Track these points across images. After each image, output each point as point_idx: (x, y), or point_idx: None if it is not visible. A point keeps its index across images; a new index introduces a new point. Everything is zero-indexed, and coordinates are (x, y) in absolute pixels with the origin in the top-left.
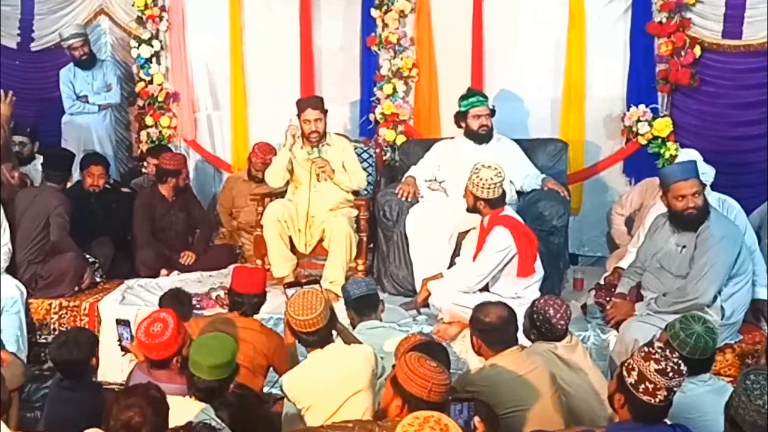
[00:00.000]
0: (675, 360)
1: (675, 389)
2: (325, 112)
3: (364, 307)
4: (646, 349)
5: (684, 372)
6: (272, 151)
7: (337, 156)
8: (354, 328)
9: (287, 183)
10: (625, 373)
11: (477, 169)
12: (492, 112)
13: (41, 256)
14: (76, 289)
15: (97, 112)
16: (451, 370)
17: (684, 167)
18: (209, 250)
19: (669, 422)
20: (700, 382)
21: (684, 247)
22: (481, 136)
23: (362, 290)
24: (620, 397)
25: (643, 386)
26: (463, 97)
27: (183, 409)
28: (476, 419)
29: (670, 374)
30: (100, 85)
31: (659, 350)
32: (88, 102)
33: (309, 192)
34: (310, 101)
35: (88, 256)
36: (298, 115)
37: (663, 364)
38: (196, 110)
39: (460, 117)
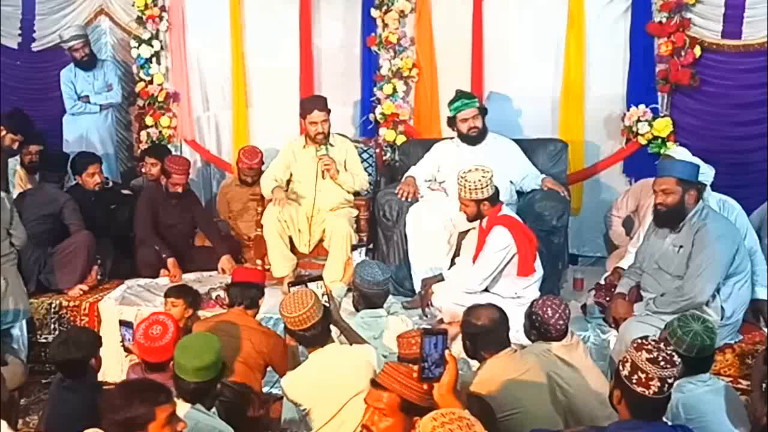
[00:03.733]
0: (668, 351)
1: (669, 381)
2: (329, 111)
3: (373, 298)
4: (639, 340)
5: (677, 363)
6: (258, 155)
7: (340, 156)
8: (357, 311)
9: (288, 182)
10: (620, 366)
11: (463, 178)
12: (482, 112)
13: (47, 242)
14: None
15: (99, 112)
16: None
17: (664, 165)
18: (210, 251)
19: (670, 423)
20: (700, 382)
21: (681, 247)
22: (473, 138)
23: (378, 288)
24: (618, 393)
25: (636, 377)
26: (450, 102)
27: None
28: (447, 352)
29: (662, 363)
30: (101, 85)
31: (653, 342)
32: (89, 102)
33: (315, 192)
34: (316, 102)
35: None
36: (303, 116)
37: (655, 353)
38: (196, 110)
39: (451, 121)
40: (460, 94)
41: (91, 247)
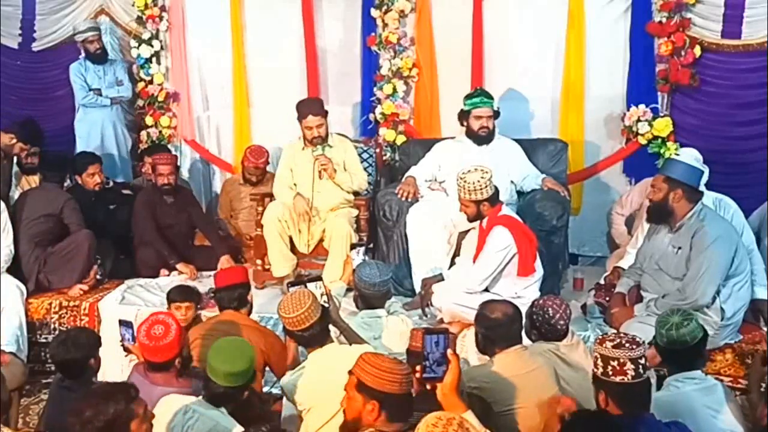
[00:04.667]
0: (629, 336)
1: (641, 361)
2: (325, 114)
3: (372, 299)
4: (599, 337)
5: (642, 342)
6: (264, 155)
7: (339, 156)
8: (358, 310)
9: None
10: (594, 369)
11: (462, 179)
12: (496, 114)
13: (47, 242)
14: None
15: (110, 105)
16: None
17: (663, 163)
18: (210, 251)
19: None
20: (688, 380)
21: (680, 248)
22: (481, 138)
23: (377, 289)
24: (602, 395)
25: (610, 368)
26: (468, 96)
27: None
28: (449, 351)
29: (627, 345)
30: (111, 80)
31: (611, 333)
32: (101, 95)
33: (312, 192)
34: (311, 107)
35: None
36: (300, 120)
37: (617, 340)
38: (196, 110)
39: (463, 115)
40: (479, 91)
41: (92, 246)
